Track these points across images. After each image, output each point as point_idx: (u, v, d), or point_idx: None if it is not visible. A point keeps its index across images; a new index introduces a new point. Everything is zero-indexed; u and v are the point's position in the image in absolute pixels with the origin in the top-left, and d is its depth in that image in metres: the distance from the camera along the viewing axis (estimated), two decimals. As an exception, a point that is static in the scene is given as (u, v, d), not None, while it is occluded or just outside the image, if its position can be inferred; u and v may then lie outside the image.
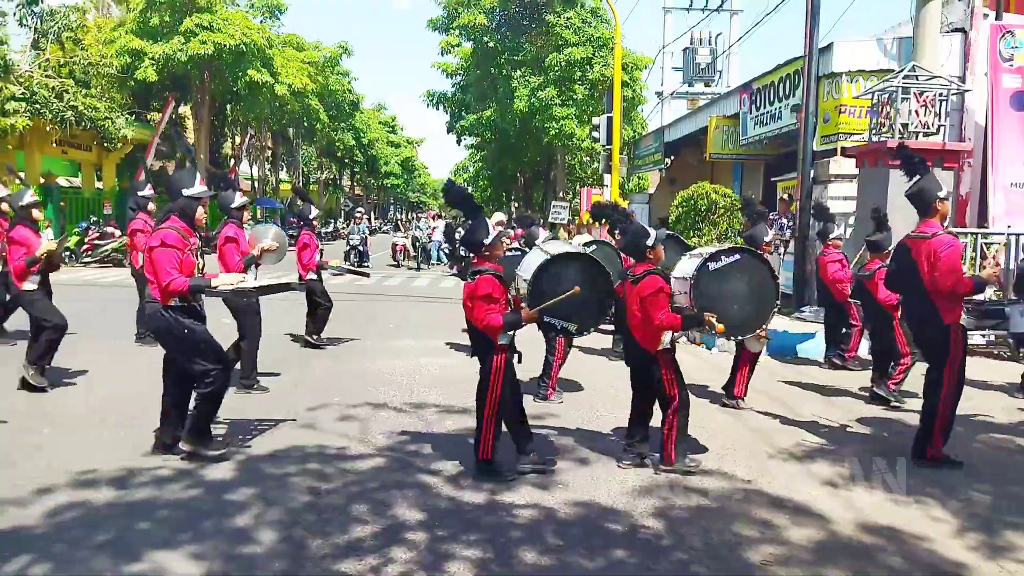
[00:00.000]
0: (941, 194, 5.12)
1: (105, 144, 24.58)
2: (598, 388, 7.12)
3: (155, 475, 4.58)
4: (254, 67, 26.22)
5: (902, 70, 9.99)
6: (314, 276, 8.60)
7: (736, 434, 5.74)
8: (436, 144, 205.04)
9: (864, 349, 8.42)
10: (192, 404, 4.86)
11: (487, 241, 4.59)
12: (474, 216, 4.69)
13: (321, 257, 9.07)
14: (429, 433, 5.61)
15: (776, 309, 5.36)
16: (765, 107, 14.28)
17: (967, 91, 10.66)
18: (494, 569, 3.55)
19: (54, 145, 23.51)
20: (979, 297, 5.35)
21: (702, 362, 8.51)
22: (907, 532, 4.01)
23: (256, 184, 40.16)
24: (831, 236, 8.16)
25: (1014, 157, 10.65)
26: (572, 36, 24.86)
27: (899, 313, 6.22)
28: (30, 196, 6.61)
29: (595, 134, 20.12)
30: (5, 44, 19.64)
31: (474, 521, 4.04)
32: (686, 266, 5.21)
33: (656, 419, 4.96)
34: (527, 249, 6.79)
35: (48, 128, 21.38)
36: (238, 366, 6.57)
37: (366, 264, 20.86)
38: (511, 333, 4.63)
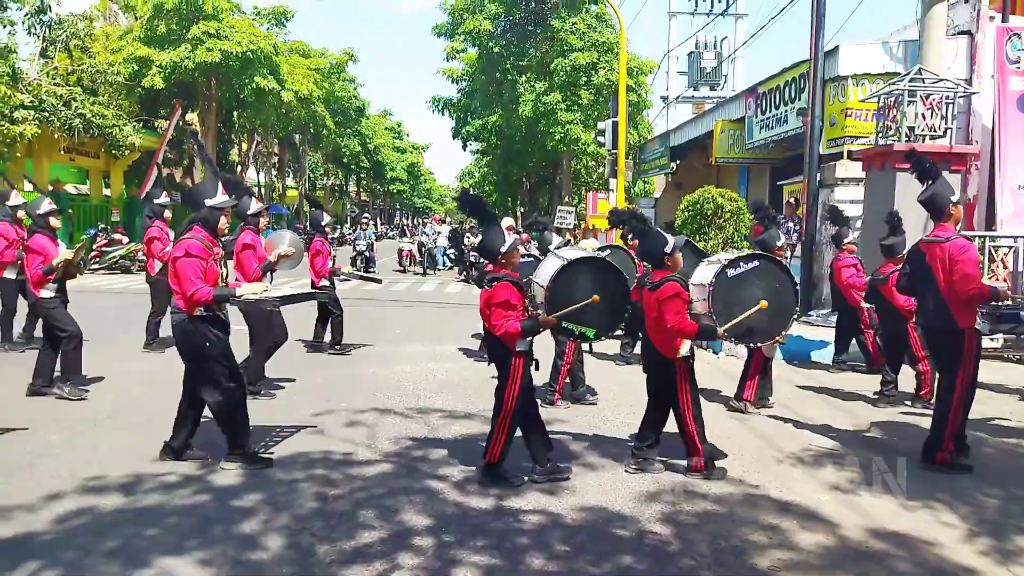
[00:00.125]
0: (954, 198, 5.12)
1: (113, 151, 24.74)
2: (605, 393, 7.11)
3: (163, 481, 4.60)
4: (261, 74, 26.37)
5: (908, 73, 9.96)
6: (326, 283, 8.63)
7: (743, 439, 5.72)
8: (442, 149, 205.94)
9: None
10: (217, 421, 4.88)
11: (503, 249, 4.60)
12: (488, 224, 4.70)
13: (334, 263, 9.10)
14: (435, 439, 5.62)
15: (796, 315, 5.33)
16: (771, 111, 14.26)
17: (974, 94, 10.63)
18: (501, 575, 3.54)
19: (62, 152, 23.66)
20: (995, 302, 5.33)
21: (707, 366, 8.49)
22: (916, 537, 3.99)
23: (263, 190, 40.32)
24: (846, 240, 8.08)
25: (1021, 159, 10.60)
26: (577, 41, 24.92)
27: (914, 318, 6.19)
28: (47, 204, 6.63)
29: (600, 139, 20.15)
30: (14, 53, 19.80)
31: (481, 527, 4.04)
32: (704, 273, 5.18)
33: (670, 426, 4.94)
34: (539, 255, 6.82)
35: (56, 135, 21.53)
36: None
37: (372, 269, 20.91)
38: (529, 339, 4.63)
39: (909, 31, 12.50)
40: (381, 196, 70.46)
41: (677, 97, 30.64)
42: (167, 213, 9.06)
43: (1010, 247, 9.90)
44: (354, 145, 48.31)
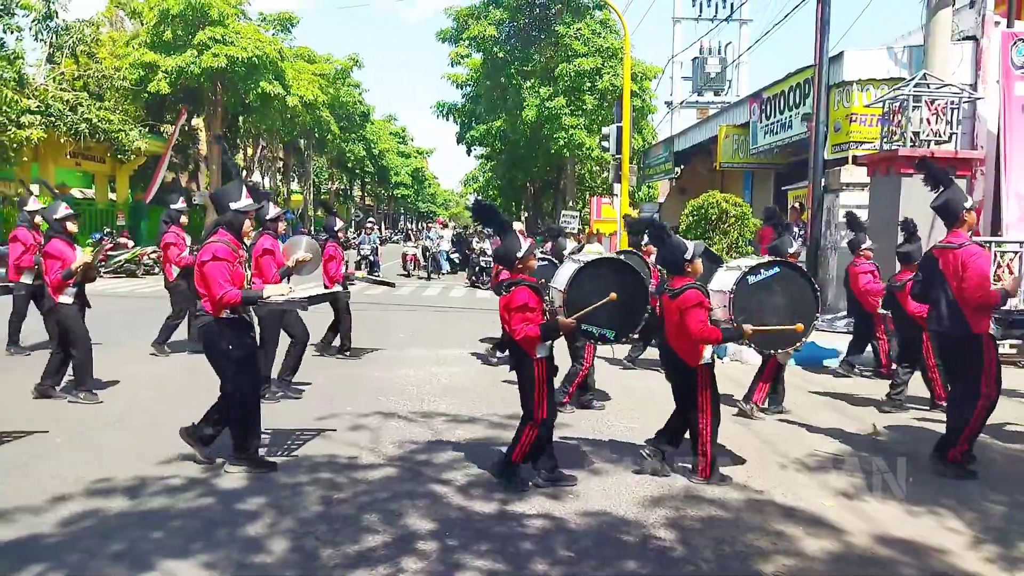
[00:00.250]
0: (967, 204, 5.12)
1: (118, 156, 24.85)
2: (610, 397, 7.10)
3: (168, 484, 4.61)
4: (266, 79, 26.47)
5: (913, 78, 9.96)
6: (340, 288, 8.65)
7: (748, 444, 5.71)
8: (446, 154, 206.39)
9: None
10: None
11: (520, 254, 4.61)
12: (504, 232, 4.71)
13: (347, 268, 9.11)
14: (439, 442, 5.62)
15: (817, 321, 5.32)
16: (775, 116, 14.27)
17: (979, 99, 10.62)
18: (505, 579, 3.54)
19: (68, 157, 23.79)
20: (1006, 306, 5.33)
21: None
22: (922, 543, 3.98)
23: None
24: (863, 246, 8.06)
25: (1027, 164, 10.58)
26: (581, 47, 24.97)
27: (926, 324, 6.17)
28: (64, 209, 6.65)
29: (604, 144, 20.16)
30: (21, 58, 19.92)
31: (485, 531, 4.04)
32: (723, 279, 5.16)
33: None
34: (555, 260, 6.83)
35: (62, 140, 21.64)
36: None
37: (377, 273, 20.95)
38: (548, 344, 4.63)
39: (914, 36, 12.52)
40: (386, 201, 70.64)
41: (681, 102, 30.62)
42: (184, 219, 9.11)
43: (1016, 252, 9.86)
44: (359, 150, 48.45)
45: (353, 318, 9.16)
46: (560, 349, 6.54)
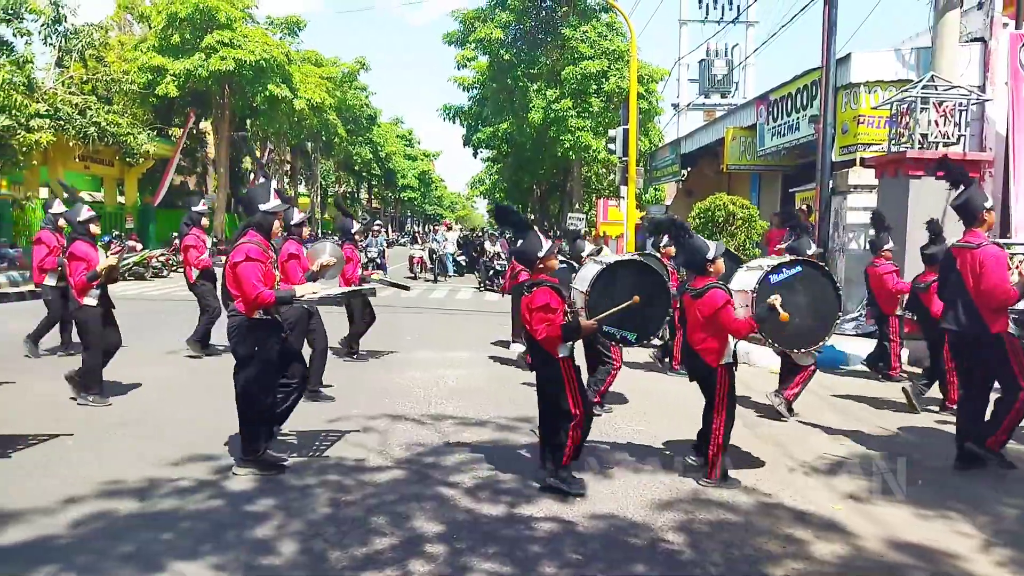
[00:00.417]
0: (987, 204, 5.13)
1: (127, 159, 24.99)
2: (617, 400, 7.08)
3: (177, 486, 4.62)
4: (273, 82, 26.58)
5: (921, 80, 9.93)
6: (366, 287, 8.66)
7: (758, 447, 5.69)
8: (453, 157, 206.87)
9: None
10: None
11: (541, 254, 4.61)
12: (525, 233, 4.73)
13: (363, 271, 9.14)
14: (447, 445, 5.62)
15: (839, 322, 5.31)
16: (782, 118, 14.23)
17: (987, 101, 10.57)
18: (514, 582, 3.54)
19: (77, 160, 23.91)
20: (1022, 306, 5.34)
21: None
22: (933, 547, 3.95)
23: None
24: (885, 247, 8.01)
25: (1036, 166, 10.53)
26: (588, 49, 24.97)
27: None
28: (87, 211, 6.70)
29: (611, 146, 20.14)
30: (30, 63, 20.02)
31: (493, 534, 4.03)
32: (745, 279, 5.15)
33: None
34: (574, 262, 6.83)
35: (71, 144, 21.76)
36: None
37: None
38: (570, 344, 4.63)
39: (922, 38, 12.46)
40: (392, 203, 70.76)
41: (688, 104, 30.63)
42: (204, 221, 9.17)
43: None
44: (366, 153, 48.58)
45: (363, 323, 9.18)
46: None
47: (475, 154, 33.70)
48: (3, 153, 19.56)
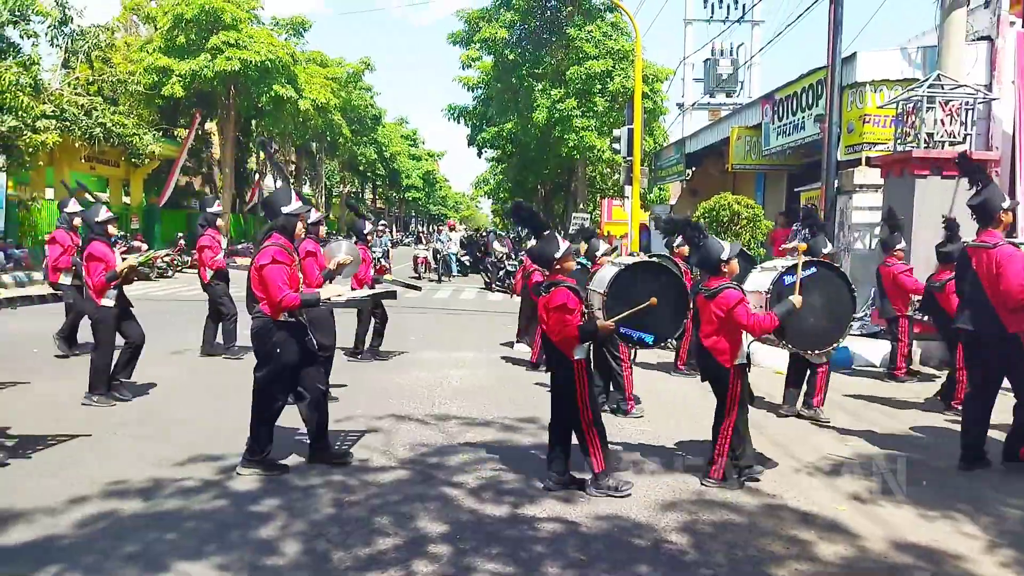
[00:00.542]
0: (1005, 204, 5.12)
1: (133, 160, 25.03)
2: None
3: (182, 486, 4.64)
4: (279, 83, 26.62)
5: (927, 79, 9.89)
6: (368, 290, 8.66)
7: (761, 447, 5.67)
8: (457, 157, 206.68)
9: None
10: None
11: (558, 255, 4.61)
12: (541, 232, 4.72)
13: (374, 269, 9.15)
14: (451, 445, 5.62)
15: (853, 322, 5.29)
16: (788, 117, 14.19)
17: (994, 99, 10.52)
18: (517, 583, 3.53)
19: (83, 161, 23.97)
20: None
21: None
22: (937, 548, 3.94)
23: (280, 198, 40.57)
24: (897, 246, 7.98)
25: (1043, 166, 10.47)
26: (592, 49, 24.94)
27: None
28: (105, 212, 6.73)
29: (616, 146, 20.12)
30: (37, 64, 20.09)
31: (496, 534, 4.04)
32: (759, 280, 5.14)
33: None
34: (587, 262, 6.82)
35: (77, 144, 21.83)
36: None
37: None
38: (587, 346, 4.62)
39: (928, 37, 12.42)
40: (397, 203, 70.84)
41: (693, 104, 30.53)
42: (220, 221, 9.20)
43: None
44: (370, 153, 48.62)
45: (370, 323, 9.20)
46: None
47: (479, 154, 33.71)
48: (9, 154, 19.64)
